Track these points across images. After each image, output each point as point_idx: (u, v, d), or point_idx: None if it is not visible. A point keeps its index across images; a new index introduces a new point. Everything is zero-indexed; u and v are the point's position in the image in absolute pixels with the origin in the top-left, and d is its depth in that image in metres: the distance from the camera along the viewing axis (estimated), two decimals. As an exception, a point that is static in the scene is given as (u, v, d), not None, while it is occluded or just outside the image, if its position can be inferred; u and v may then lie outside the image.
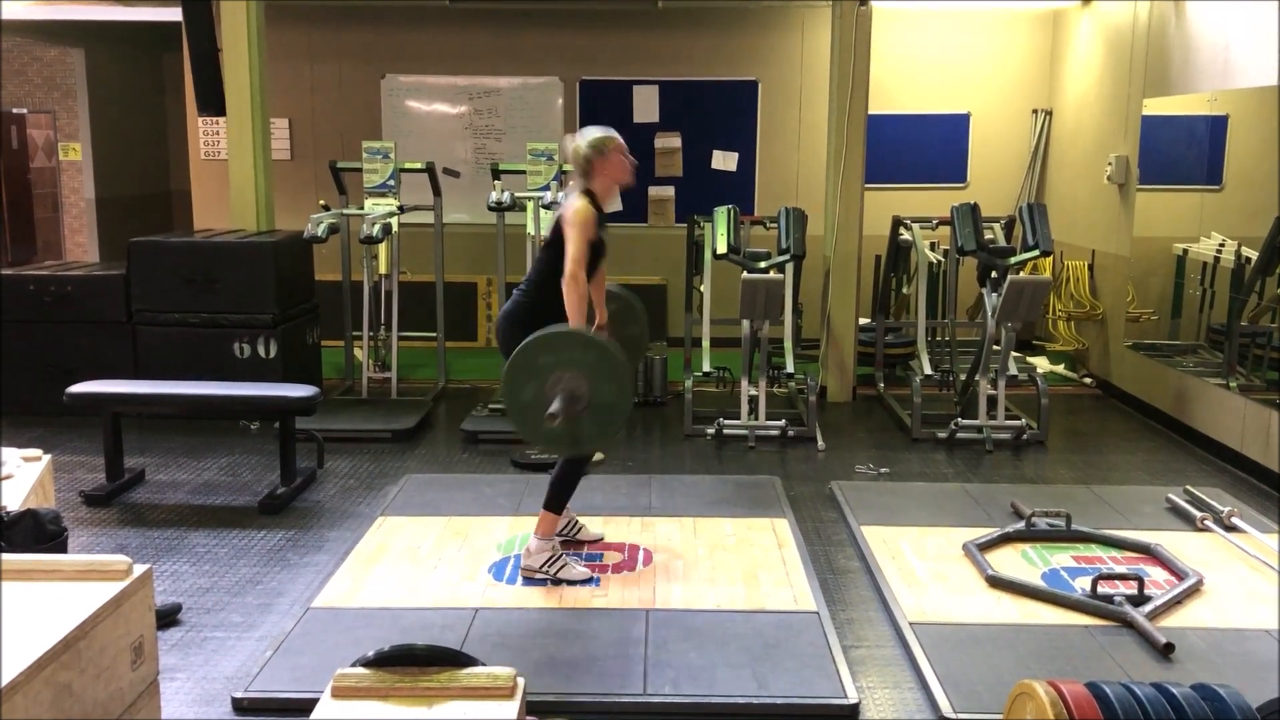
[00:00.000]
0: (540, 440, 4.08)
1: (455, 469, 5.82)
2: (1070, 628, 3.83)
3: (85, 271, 6.82)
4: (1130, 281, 7.26)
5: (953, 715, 3.28)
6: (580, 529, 4.64)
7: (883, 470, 5.81)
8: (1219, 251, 6.32)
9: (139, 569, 2.75)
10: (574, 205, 4.07)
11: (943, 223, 7.07)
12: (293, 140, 9.11)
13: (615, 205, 5.08)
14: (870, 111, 7.26)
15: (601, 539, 4.65)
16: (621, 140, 4.23)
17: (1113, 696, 2.56)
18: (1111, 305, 7.62)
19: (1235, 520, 4.78)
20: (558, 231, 4.11)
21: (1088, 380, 7.84)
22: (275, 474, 5.41)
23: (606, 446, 6.10)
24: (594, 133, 4.20)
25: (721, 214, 6.51)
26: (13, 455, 4.32)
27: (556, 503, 4.25)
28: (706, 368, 6.53)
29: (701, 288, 6.84)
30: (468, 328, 9.04)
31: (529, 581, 4.21)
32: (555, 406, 3.72)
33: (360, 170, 7.21)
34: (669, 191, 9.01)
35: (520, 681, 2.71)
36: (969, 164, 9.10)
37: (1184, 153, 6.88)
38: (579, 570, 4.23)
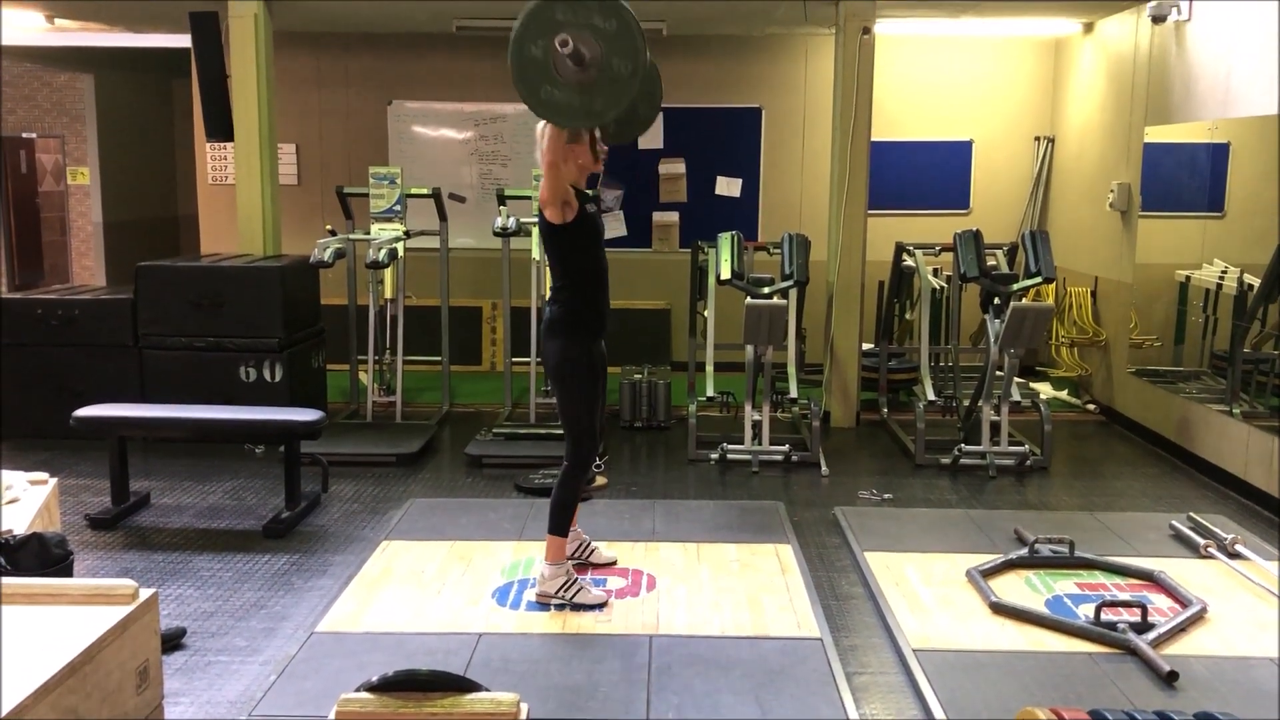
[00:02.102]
0: (541, 106, 3.69)
1: (459, 493, 5.83)
2: (1073, 655, 3.82)
3: (92, 295, 6.85)
4: (1133, 308, 7.28)
5: (956, 742, 3.28)
6: (593, 552, 4.65)
7: (886, 496, 5.81)
8: (1221, 278, 6.33)
9: (145, 593, 2.76)
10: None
11: (945, 249, 7.09)
12: (300, 165, 9.17)
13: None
14: (873, 138, 7.30)
15: (614, 562, 4.65)
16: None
17: (1115, 724, 2.57)
18: (1114, 332, 7.64)
19: (1239, 547, 4.77)
20: (544, 220, 4.03)
21: (1091, 406, 7.85)
22: (280, 498, 5.42)
23: (606, 474, 6.11)
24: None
25: (725, 240, 6.54)
26: (19, 478, 4.34)
27: (560, 525, 4.25)
28: (710, 392, 6.54)
29: (705, 313, 6.86)
30: (472, 352, 9.07)
31: (533, 606, 4.21)
32: (564, 42, 3.47)
33: (367, 195, 7.26)
34: (673, 217, 9.05)
35: (524, 707, 2.72)
36: (972, 190, 9.14)
37: (1186, 180, 6.92)
38: (595, 594, 4.24)
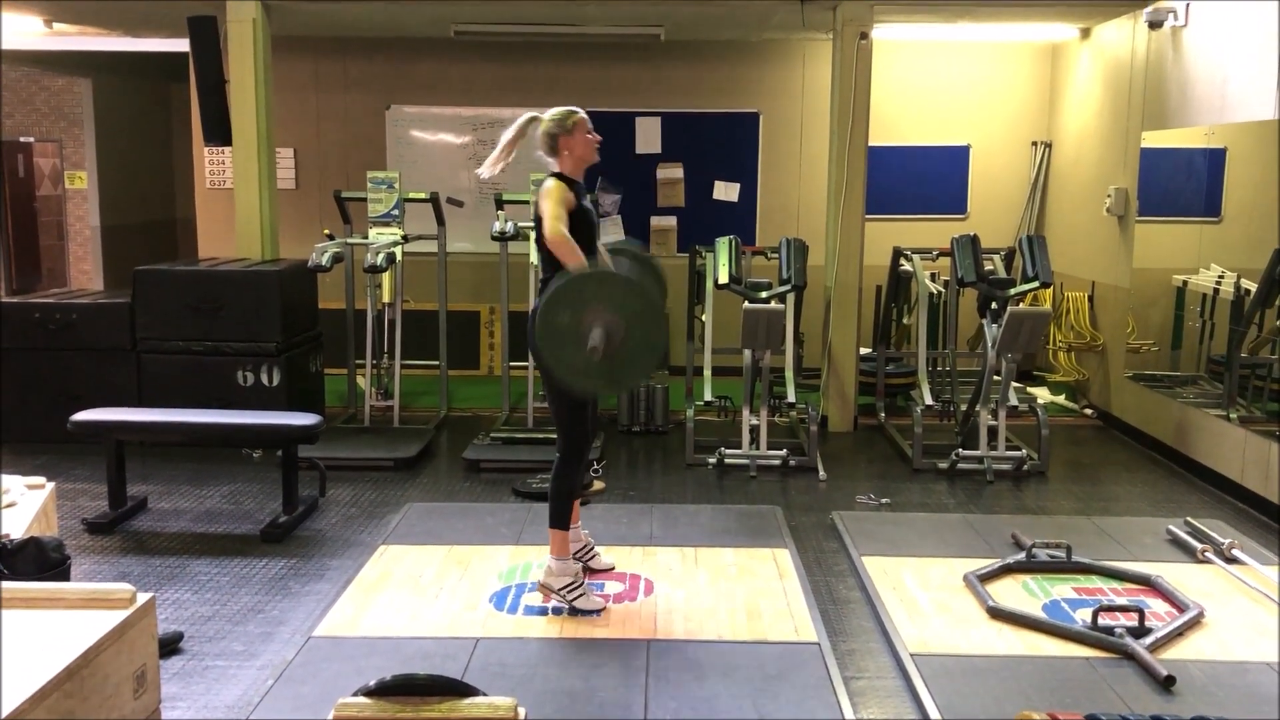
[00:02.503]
0: (570, 375, 3.86)
1: (457, 498, 5.83)
2: (1071, 659, 3.83)
3: (90, 299, 6.85)
4: (1130, 313, 7.29)
5: (954, 747, 3.28)
6: (594, 556, 4.64)
7: (884, 500, 5.82)
8: (1218, 283, 6.35)
9: (142, 597, 2.76)
10: (546, 185, 4.07)
11: (943, 254, 7.10)
12: (298, 170, 9.17)
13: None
14: (871, 143, 7.32)
15: (613, 568, 4.65)
16: (585, 116, 4.21)
17: (1113, 729, 2.57)
18: (1111, 336, 7.65)
19: (1236, 552, 4.78)
20: (539, 223, 4.06)
21: (1088, 411, 7.86)
22: (277, 502, 5.42)
23: (604, 478, 6.12)
24: (559, 109, 4.20)
25: (723, 244, 6.55)
26: (16, 483, 4.34)
27: (560, 518, 4.24)
28: (708, 397, 6.54)
29: (703, 317, 6.87)
30: (470, 356, 9.07)
31: (531, 610, 4.21)
32: (595, 339, 3.65)
33: (365, 200, 7.26)
34: (671, 222, 9.06)
35: (521, 711, 2.72)
36: (969, 195, 9.15)
37: (1183, 185, 6.93)
38: (595, 601, 4.23)
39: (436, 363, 7.63)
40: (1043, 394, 8.21)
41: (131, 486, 5.54)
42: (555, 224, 3.93)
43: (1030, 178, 9.08)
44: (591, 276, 3.82)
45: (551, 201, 4.00)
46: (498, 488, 5.97)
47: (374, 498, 5.78)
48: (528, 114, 4.25)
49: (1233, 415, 6.06)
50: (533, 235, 6.99)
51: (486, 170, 4.31)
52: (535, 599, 4.31)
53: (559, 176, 4.15)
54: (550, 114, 4.20)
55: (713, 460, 6.35)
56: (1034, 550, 4.72)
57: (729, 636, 4.01)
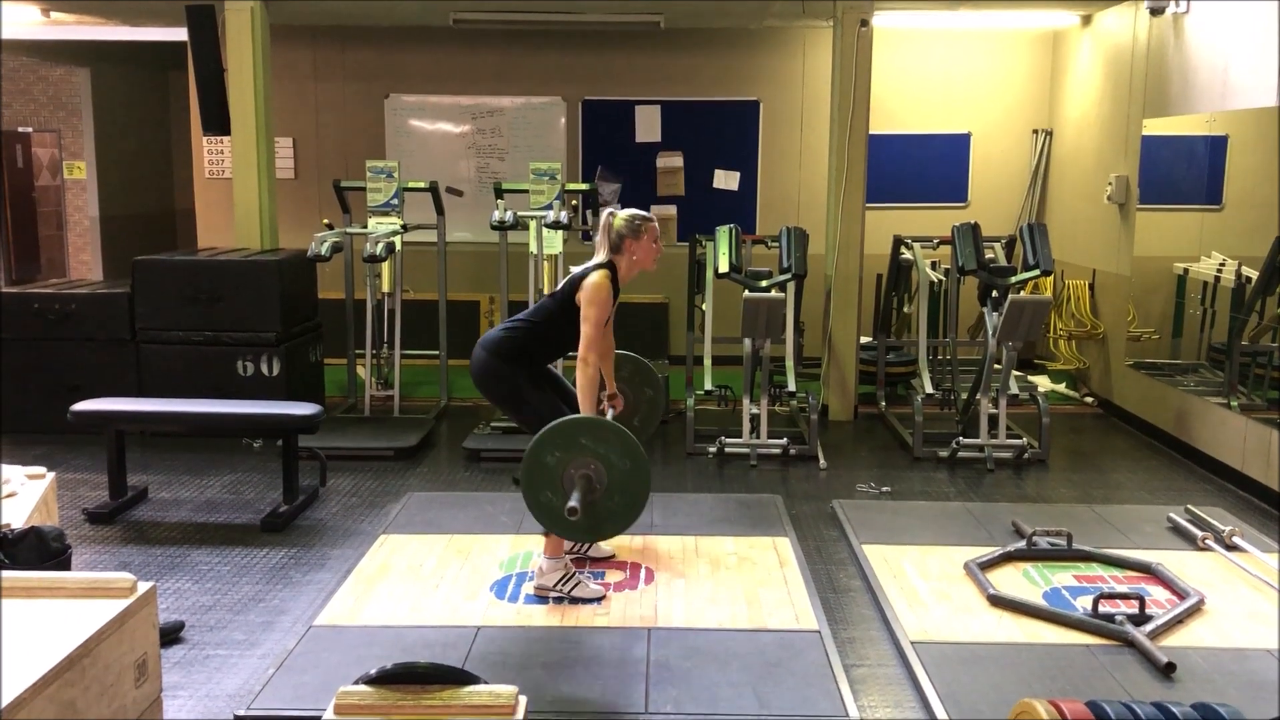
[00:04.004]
0: (537, 507, 3.87)
1: (457, 487, 5.83)
2: (1071, 647, 3.83)
3: (89, 289, 6.85)
4: (1131, 301, 7.28)
5: (954, 734, 3.28)
6: (592, 544, 4.65)
7: (884, 489, 5.82)
8: (1219, 271, 6.34)
9: (143, 587, 2.76)
10: (593, 280, 4.11)
11: (944, 242, 7.10)
12: (297, 159, 9.16)
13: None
14: (871, 131, 7.30)
15: (613, 556, 4.65)
16: (657, 226, 4.29)
17: (1114, 716, 2.57)
18: (1112, 324, 7.64)
19: (1236, 539, 4.78)
20: (570, 290, 4.16)
21: (1089, 399, 7.85)
22: (278, 492, 5.42)
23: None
24: (635, 212, 4.26)
25: (723, 233, 6.54)
26: (17, 472, 4.33)
27: None
28: (708, 386, 6.53)
29: (703, 306, 6.86)
30: (470, 346, 8.97)
31: (531, 600, 4.21)
32: (575, 500, 3.69)
33: (364, 189, 7.25)
34: (671, 210, 9.05)
35: (522, 700, 2.72)
36: (970, 184, 9.13)
37: (1184, 173, 6.91)
38: (592, 588, 4.24)
39: (436, 352, 7.63)
40: (1043, 382, 8.20)
41: (132, 476, 5.54)
42: (588, 350, 4.02)
43: (1031, 165, 9.06)
44: (592, 425, 3.82)
45: (595, 312, 4.07)
46: (498, 477, 5.97)
47: (374, 487, 5.78)
48: (607, 210, 4.30)
49: (1233, 403, 6.06)
50: (532, 225, 7.03)
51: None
52: (536, 588, 4.32)
53: (610, 269, 4.17)
54: (625, 213, 4.25)
55: (713, 449, 6.35)
56: (1034, 538, 4.73)
57: (729, 625, 4.01)
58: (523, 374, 4.24)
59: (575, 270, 4.27)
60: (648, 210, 4.48)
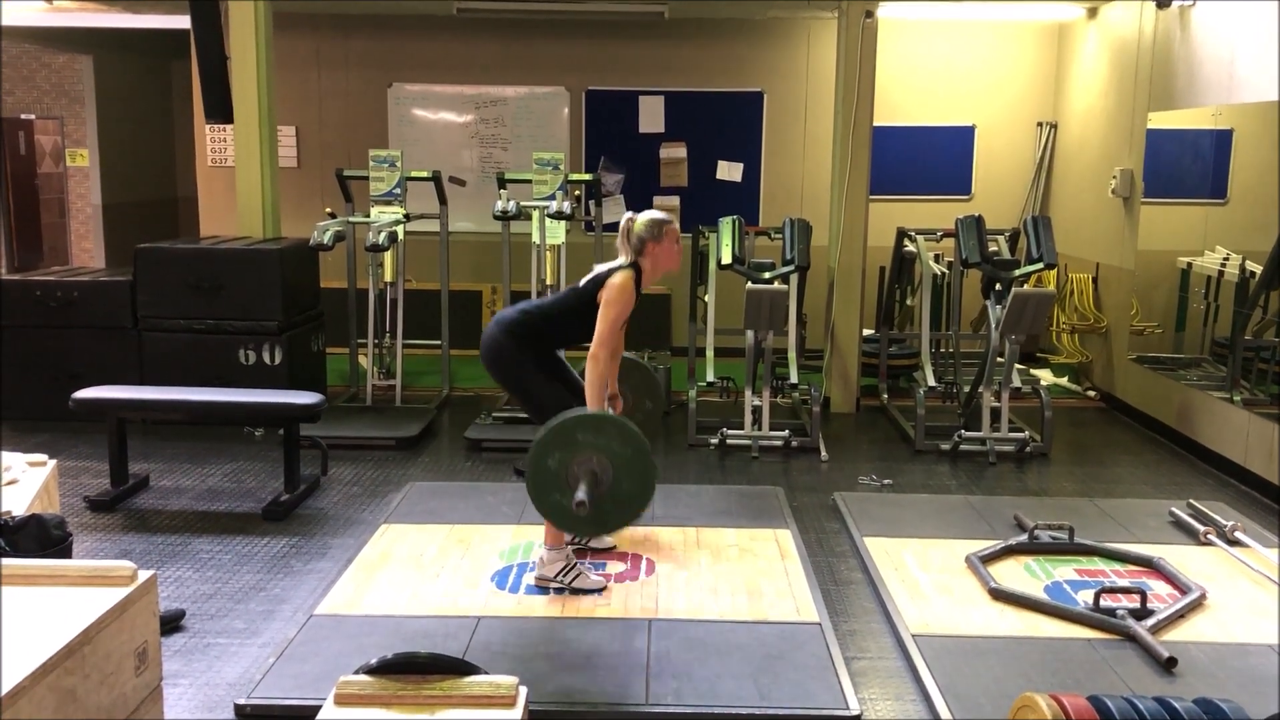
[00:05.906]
0: (548, 509, 3.87)
1: (459, 477, 5.83)
2: (1073, 641, 3.83)
3: (91, 277, 6.84)
4: (1134, 295, 7.26)
5: (954, 727, 3.28)
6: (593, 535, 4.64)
7: (886, 482, 5.81)
8: (1223, 265, 6.32)
9: (143, 575, 2.76)
10: (617, 280, 4.11)
11: (947, 235, 7.08)
12: (300, 148, 9.14)
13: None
14: (875, 123, 7.28)
15: (614, 547, 4.65)
16: (678, 228, 4.28)
17: (1115, 710, 2.57)
18: (1115, 318, 7.62)
19: (1238, 534, 4.78)
20: (593, 287, 4.15)
21: (1091, 393, 7.84)
22: (279, 481, 5.42)
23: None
24: (654, 215, 4.25)
25: (726, 224, 6.52)
26: (18, 460, 4.33)
27: None
28: (710, 378, 6.53)
29: (706, 298, 6.85)
30: (472, 335, 8.95)
31: (532, 590, 4.21)
32: (581, 494, 3.68)
33: (367, 178, 7.24)
34: (674, 201, 9.02)
35: (522, 690, 2.72)
36: (974, 176, 9.12)
37: (1189, 167, 6.89)
38: (593, 579, 4.24)
39: (438, 342, 7.62)
40: (1046, 376, 8.19)
41: (133, 464, 5.54)
42: (600, 348, 4.03)
43: (1035, 158, 9.04)
44: (586, 420, 3.81)
45: (614, 313, 4.08)
46: (499, 467, 5.97)
47: (376, 477, 5.78)
48: (627, 214, 4.29)
49: (1236, 398, 6.05)
50: (535, 215, 7.01)
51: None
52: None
53: (636, 270, 4.17)
54: (644, 217, 4.23)
55: (715, 441, 6.35)
56: (1036, 532, 4.72)
57: (730, 616, 4.01)
58: (531, 359, 4.24)
59: (600, 268, 4.26)
60: (651, 202, 4.47)
